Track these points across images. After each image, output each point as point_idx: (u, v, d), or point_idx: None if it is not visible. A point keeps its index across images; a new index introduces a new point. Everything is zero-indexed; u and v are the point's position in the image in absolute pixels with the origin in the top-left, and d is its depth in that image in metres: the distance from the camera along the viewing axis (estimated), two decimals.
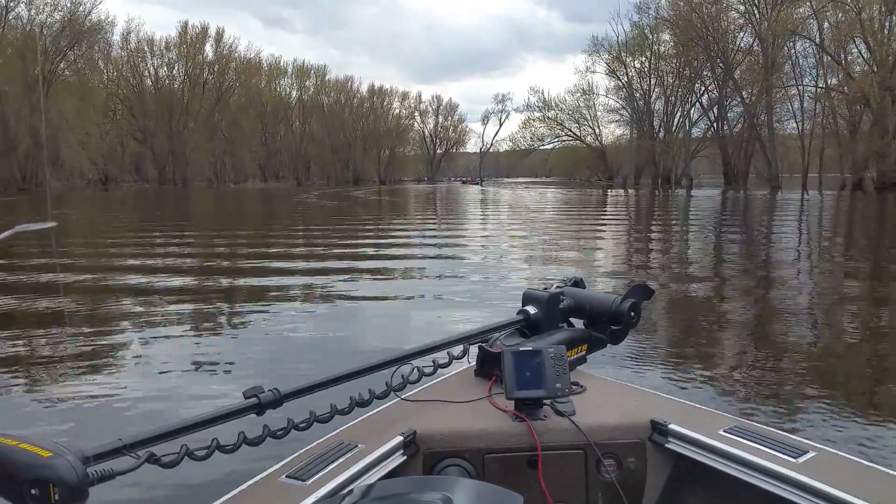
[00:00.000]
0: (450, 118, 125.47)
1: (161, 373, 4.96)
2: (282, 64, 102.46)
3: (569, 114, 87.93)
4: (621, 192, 56.13)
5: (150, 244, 15.13)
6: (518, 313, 1.91)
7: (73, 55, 67.30)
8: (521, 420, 1.55)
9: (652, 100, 77.56)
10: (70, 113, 59.92)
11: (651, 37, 72.92)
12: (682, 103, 73.07)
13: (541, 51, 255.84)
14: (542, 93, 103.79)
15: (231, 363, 5.21)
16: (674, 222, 22.55)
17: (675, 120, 74.71)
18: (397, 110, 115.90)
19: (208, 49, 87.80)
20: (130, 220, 24.55)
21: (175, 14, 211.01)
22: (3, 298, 8.03)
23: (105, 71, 79.50)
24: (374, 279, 9.73)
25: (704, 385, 4.58)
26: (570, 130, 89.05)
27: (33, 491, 0.93)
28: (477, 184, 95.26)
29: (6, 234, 0.82)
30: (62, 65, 63.69)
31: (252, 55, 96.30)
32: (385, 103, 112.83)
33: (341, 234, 17.47)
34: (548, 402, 1.59)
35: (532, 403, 1.57)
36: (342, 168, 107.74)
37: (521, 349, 1.58)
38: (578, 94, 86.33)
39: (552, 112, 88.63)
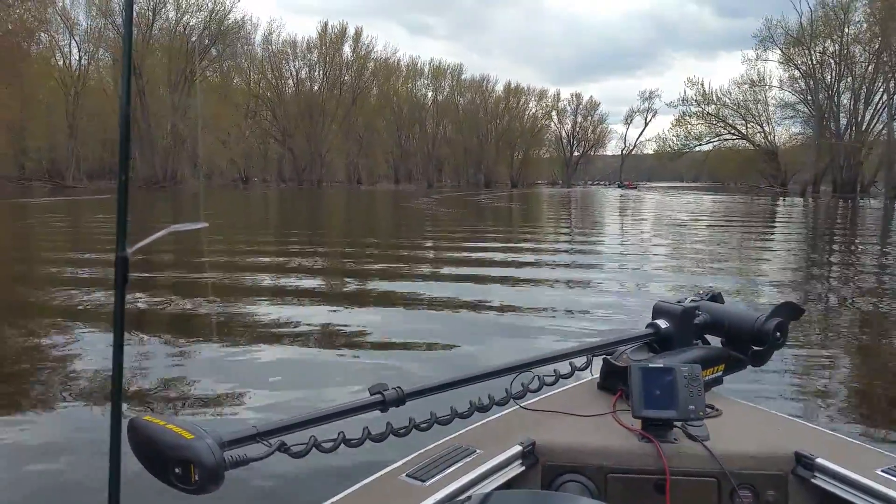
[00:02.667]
0: (589, 118, 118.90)
1: (289, 367, 5.22)
2: (419, 65, 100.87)
3: (733, 109, 76.24)
4: (798, 200, 48.01)
5: (285, 246, 15.27)
6: (647, 326, 1.86)
7: (215, 54, 68.17)
8: (649, 441, 1.49)
9: (838, 91, 64.70)
10: (210, 113, 60.31)
11: (841, 17, 61.13)
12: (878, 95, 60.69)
13: (690, 48, 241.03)
14: (701, 84, 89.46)
15: (356, 360, 5.45)
16: (867, 245, 16.54)
17: (868, 116, 62.62)
18: (533, 110, 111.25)
19: (347, 49, 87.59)
20: (269, 222, 25.61)
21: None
22: (156, 294, 8.26)
23: (248, 72, 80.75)
24: (502, 286, 9.30)
25: (858, 417, 4.16)
26: (735, 128, 77.11)
27: (177, 470, 1.00)
28: (635, 188, 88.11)
29: (160, 233, 0.95)
30: (204, 63, 64.39)
31: (389, 55, 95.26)
32: (521, 103, 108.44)
33: (467, 239, 16.94)
34: (679, 424, 1.51)
35: (661, 424, 1.50)
36: (474, 170, 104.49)
37: (651, 365, 1.52)
38: (746, 86, 74.23)
39: (712, 107, 77.41)
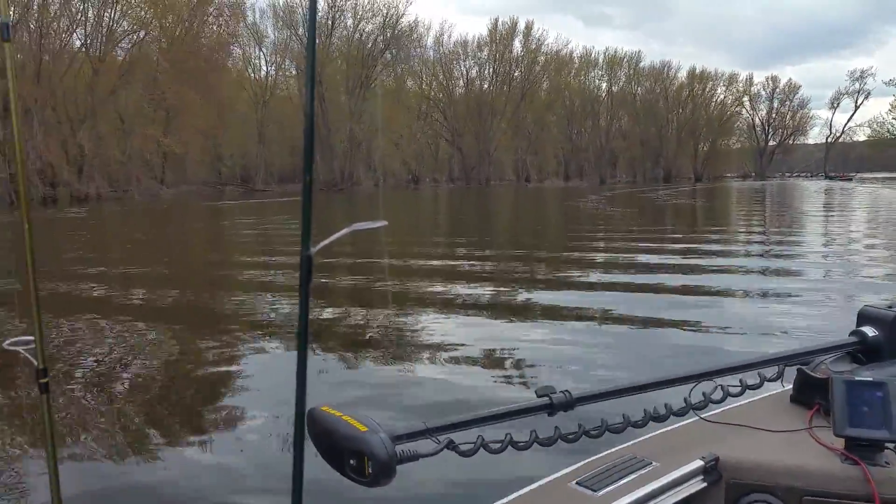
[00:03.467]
0: (787, 103, 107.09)
1: (457, 363, 5.39)
2: (592, 55, 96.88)
3: None
4: None
5: (452, 248, 15.36)
6: (851, 335, 1.72)
7: (389, 58, 69.90)
8: (854, 462, 1.36)
9: None
10: (384, 116, 61.90)
11: None
12: None
13: None
14: None
15: (523, 362, 5.45)
16: None
17: None
18: (721, 97, 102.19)
19: (517, 44, 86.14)
20: (437, 222, 26.07)
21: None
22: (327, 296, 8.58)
23: (420, 74, 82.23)
24: (680, 295, 8.45)
25: None
26: None
27: (352, 461, 1.03)
28: (849, 179, 78.21)
29: (342, 232, 1.00)
30: (378, 68, 66.32)
31: (560, 46, 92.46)
32: (707, 90, 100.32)
33: (641, 241, 15.93)
34: (891, 446, 1.38)
35: (868, 445, 1.37)
36: (652, 164, 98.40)
37: (857, 378, 1.40)
38: None
39: None
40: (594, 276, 10.29)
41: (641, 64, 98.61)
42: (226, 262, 13.89)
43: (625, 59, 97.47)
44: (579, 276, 10.32)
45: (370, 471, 1.01)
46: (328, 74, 62.13)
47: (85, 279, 10.54)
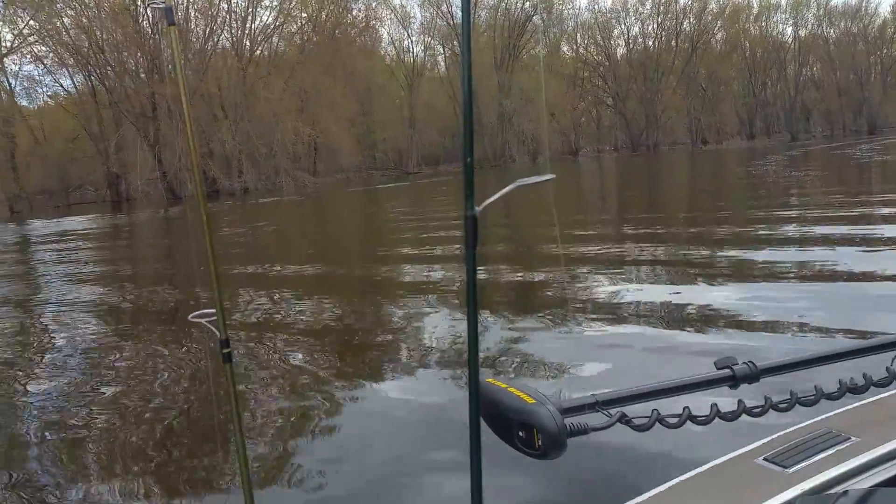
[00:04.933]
0: None
1: (628, 340, 5.13)
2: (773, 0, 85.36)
3: None
4: None
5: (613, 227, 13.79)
6: None
7: (539, 22, 65.73)
8: None
9: None
10: (529, 87, 58.22)
11: None
12: None
13: None
14: None
15: (701, 337, 5.10)
16: None
17: None
18: None
19: None
20: (595, 195, 23.90)
21: None
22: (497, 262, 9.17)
23: (575, 37, 77.02)
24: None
25: None
26: None
27: (521, 433, 1.01)
28: None
29: (508, 188, 0.99)
30: (525, 37, 62.44)
31: None
32: None
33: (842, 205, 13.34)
34: None
35: None
36: (854, 115, 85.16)
37: None
38: None
39: None
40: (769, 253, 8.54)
41: (833, 2, 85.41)
42: (389, 239, 15.07)
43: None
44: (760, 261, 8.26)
45: (540, 443, 0.98)
46: (475, 49, 59.51)
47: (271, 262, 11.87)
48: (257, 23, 49.19)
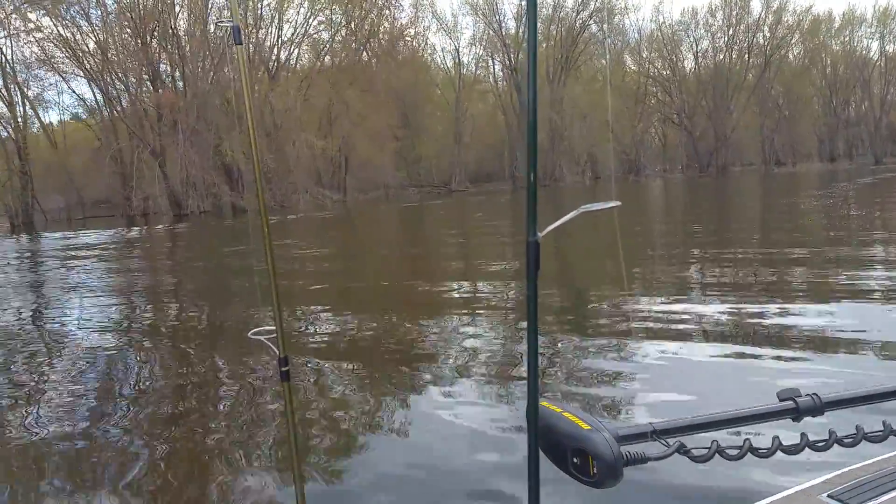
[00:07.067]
0: None
1: (690, 368, 5.03)
2: (857, 13, 79.17)
3: None
4: None
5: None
6: None
7: (596, 30, 62.25)
8: None
9: None
10: (591, 101, 54.70)
11: None
12: None
13: None
14: None
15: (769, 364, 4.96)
16: None
17: None
18: None
19: (755, 5, 72.80)
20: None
21: None
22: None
23: (638, 49, 72.93)
24: None
25: None
26: None
27: (575, 459, 1.00)
28: None
29: (572, 214, 1.01)
30: (579, 49, 58.95)
31: (812, 2, 76.60)
32: None
33: None
34: None
35: None
36: None
37: None
38: None
39: None
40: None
41: None
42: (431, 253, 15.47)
43: None
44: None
45: (595, 471, 0.97)
46: (523, 61, 56.56)
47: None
48: (286, 31, 47.54)
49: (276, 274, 1.96)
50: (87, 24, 40.36)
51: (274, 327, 1.93)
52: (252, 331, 1.94)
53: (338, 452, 3.88)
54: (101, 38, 39.98)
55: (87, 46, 40.04)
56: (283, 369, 1.97)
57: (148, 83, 40.14)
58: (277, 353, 1.94)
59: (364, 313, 8.22)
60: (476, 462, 3.57)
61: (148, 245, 23.69)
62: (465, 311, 7.91)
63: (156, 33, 38.99)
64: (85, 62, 40.02)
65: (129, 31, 39.24)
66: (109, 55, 39.13)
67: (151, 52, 39.16)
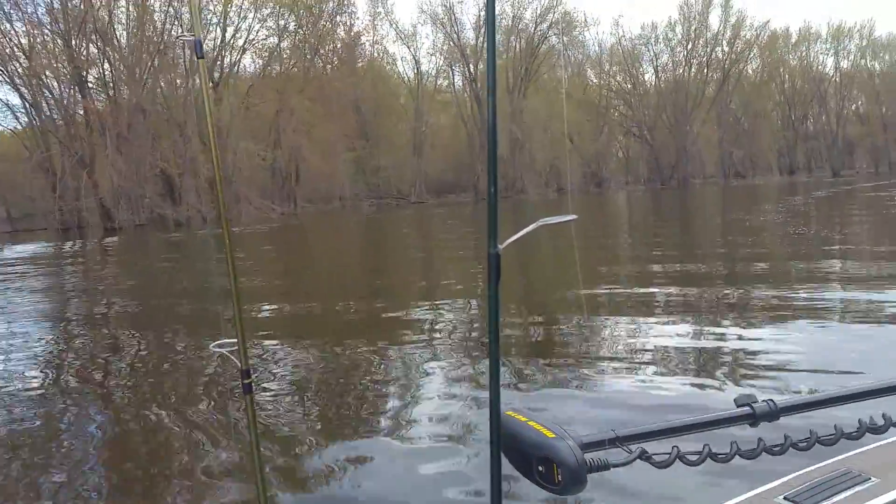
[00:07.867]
0: None
1: (648, 371, 5.10)
2: (812, 29, 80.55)
3: None
4: None
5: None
6: None
7: (555, 42, 61.87)
8: None
9: None
10: (543, 113, 54.01)
11: None
12: None
13: None
14: None
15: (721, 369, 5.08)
16: None
17: None
18: None
19: (714, 19, 73.37)
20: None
21: None
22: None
23: (599, 63, 72.84)
24: None
25: None
26: None
27: (540, 468, 1.01)
28: None
29: (531, 227, 1.04)
30: (539, 60, 58.47)
31: (769, 18, 77.81)
32: None
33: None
34: None
35: None
36: None
37: None
38: None
39: None
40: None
41: (876, 34, 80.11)
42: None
43: (855, 31, 79.81)
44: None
45: (560, 478, 0.98)
46: (482, 73, 55.80)
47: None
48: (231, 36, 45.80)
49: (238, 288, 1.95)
50: (8, 24, 38.14)
51: (235, 340, 1.90)
52: (213, 343, 1.92)
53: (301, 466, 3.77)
54: (26, 42, 37.80)
55: (11, 50, 37.78)
56: (246, 381, 1.95)
57: (75, 88, 37.96)
58: (239, 365, 1.92)
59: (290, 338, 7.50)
60: (440, 474, 3.47)
61: (43, 262, 21.35)
62: (418, 334, 7.24)
63: (83, 35, 36.86)
64: (8, 66, 37.83)
65: (49, 32, 37.11)
66: (33, 62, 36.91)
67: (78, 54, 37.04)
